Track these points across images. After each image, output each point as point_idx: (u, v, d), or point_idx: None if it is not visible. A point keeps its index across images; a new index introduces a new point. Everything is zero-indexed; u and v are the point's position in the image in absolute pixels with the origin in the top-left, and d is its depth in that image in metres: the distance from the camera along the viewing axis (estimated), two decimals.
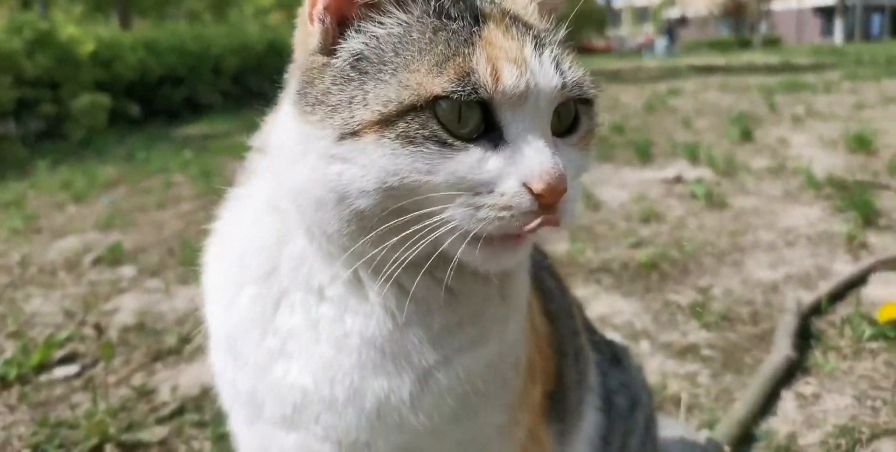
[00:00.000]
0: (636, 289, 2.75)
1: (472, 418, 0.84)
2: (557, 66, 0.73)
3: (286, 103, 0.78)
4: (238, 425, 0.91)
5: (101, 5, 20.82)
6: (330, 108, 0.70)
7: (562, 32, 0.82)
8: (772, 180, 4.38)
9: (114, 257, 3.70)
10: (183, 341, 2.54)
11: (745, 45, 31.16)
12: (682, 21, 44.18)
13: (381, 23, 0.74)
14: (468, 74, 0.68)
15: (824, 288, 2.57)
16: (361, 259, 0.73)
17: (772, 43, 32.97)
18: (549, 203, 0.68)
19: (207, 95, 12.10)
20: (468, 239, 0.69)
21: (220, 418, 1.95)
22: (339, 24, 0.75)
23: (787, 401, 1.90)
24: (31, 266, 3.76)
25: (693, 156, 5.02)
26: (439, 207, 0.68)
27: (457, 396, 0.81)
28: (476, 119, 0.70)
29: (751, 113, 7.05)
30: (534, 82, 0.70)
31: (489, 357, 0.83)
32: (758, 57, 16.17)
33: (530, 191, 0.67)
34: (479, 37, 0.72)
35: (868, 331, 2.22)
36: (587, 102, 0.78)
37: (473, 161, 0.69)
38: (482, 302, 0.83)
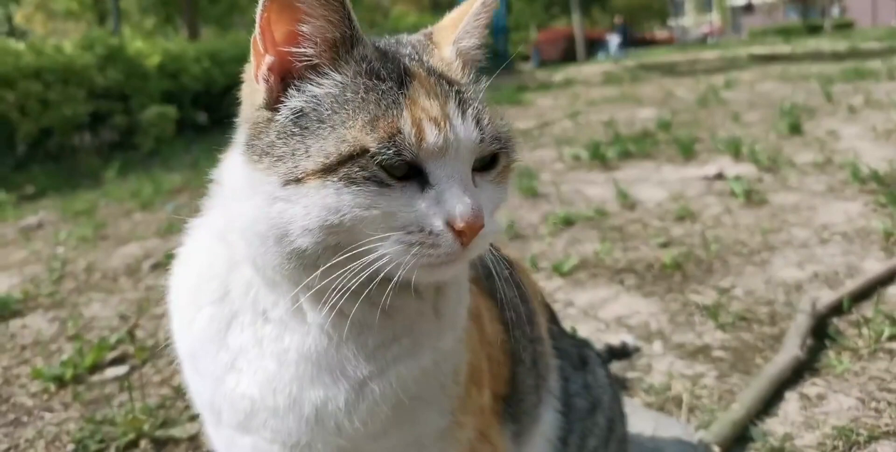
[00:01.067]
0: (658, 290, 2.78)
1: (409, 422, 0.94)
2: (478, 122, 0.83)
3: (236, 150, 0.89)
4: (208, 427, 1.03)
5: (171, 17, 21.69)
6: (275, 159, 0.81)
7: (483, 85, 0.91)
8: (816, 175, 4.29)
9: (170, 262, 3.92)
10: None
11: (814, 30, 29.95)
12: (748, 8, 42.75)
13: (320, 83, 0.84)
14: (395, 134, 0.78)
15: (849, 286, 2.54)
16: (298, 287, 0.83)
17: (844, 27, 31.58)
18: (468, 238, 0.79)
19: None
20: (403, 270, 0.80)
21: None
22: (282, 82, 0.85)
23: (791, 402, 1.91)
24: (96, 272, 4.03)
25: (736, 151, 4.95)
26: (377, 244, 0.79)
27: (391, 403, 0.90)
28: (405, 167, 0.80)
29: (805, 104, 6.85)
30: (454, 137, 0.81)
31: (423, 366, 0.92)
32: (825, 43, 15.55)
33: (453, 229, 0.78)
34: (406, 97, 0.81)
35: (888, 331, 2.20)
36: (506, 149, 0.89)
37: (406, 199, 0.80)
38: (416, 317, 0.92)
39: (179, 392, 2.33)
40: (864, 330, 2.24)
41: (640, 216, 3.87)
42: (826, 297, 2.48)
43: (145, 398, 2.26)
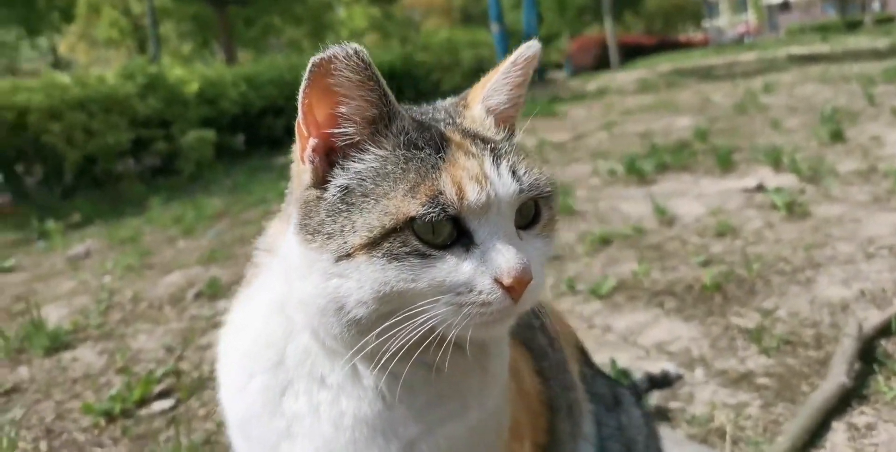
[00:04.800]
0: (698, 313, 2.74)
1: None
2: (514, 174, 0.86)
3: (290, 228, 0.92)
4: None
5: (208, 42, 22.25)
6: (326, 236, 0.84)
7: (516, 139, 0.95)
8: (860, 185, 4.18)
9: (212, 292, 4.01)
10: None
11: (854, 26, 29.24)
12: (785, 6, 41.98)
13: (362, 159, 0.87)
14: (437, 195, 0.81)
15: None
16: (360, 354, 0.86)
17: (885, 22, 30.77)
18: (518, 292, 0.81)
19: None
20: (457, 329, 0.82)
21: None
22: (328, 161, 0.89)
23: (838, 433, 1.86)
24: (142, 301, 4.13)
25: (776, 161, 4.86)
26: (428, 307, 0.81)
27: None
28: (448, 229, 0.83)
29: (846, 108, 6.70)
30: (494, 193, 0.83)
31: (470, 425, 0.93)
32: (864, 40, 15.18)
33: (502, 285, 0.81)
34: (444, 160, 0.85)
35: None
36: (546, 196, 0.90)
37: (450, 266, 0.82)
38: (462, 376, 0.93)
39: (222, 427, 2.37)
40: None
41: (679, 232, 3.82)
42: (873, 318, 2.42)
43: (191, 433, 2.30)
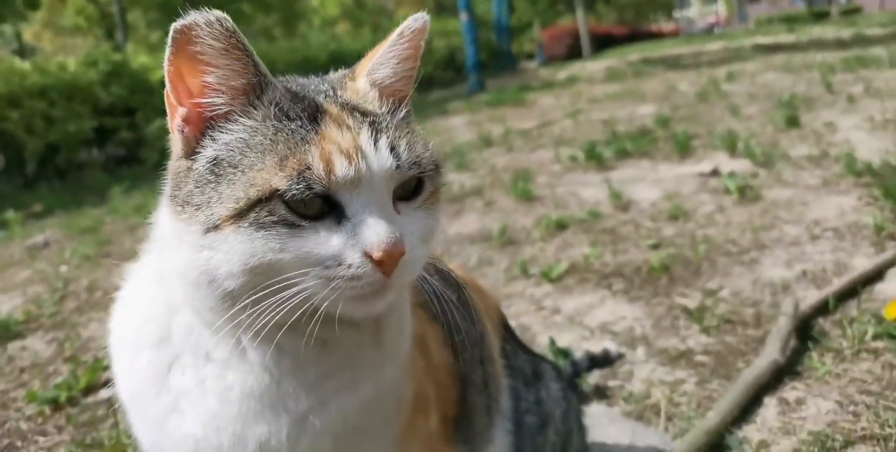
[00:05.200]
0: (644, 294, 2.77)
1: None
2: (393, 149, 0.84)
3: (163, 200, 0.91)
4: None
5: None
6: (195, 207, 0.83)
7: (402, 113, 0.92)
8: (811, 169, 4.25)
9: None
10: None
11: (821, 17, 29.61)
12: None
13: (230, 130, 0.85)
14: (304, 170, 0.80)
15: (835, 285, 2.52)
16: (239, 327, 0.84)
17: (852, 12, 31.21)
18: (389, 266, 0.80)
19: None
20: (326, 303, 0.81)
21: None
22: (200, 132, 0.87)
23: (769, 408, 1.90)
24: (97, 291, 4.08)
25: (732, 147, 4.92)
26: (298, 279, 0.80)
27: (332, 436, 0.91)
28: (318, 203, 0.81)
29: (804, 95, 6.80)
30: (365, 167, 0.82)
31: (364, 399, 0.92)
32: (830, 31, 15.39)
33: (371, 259, 0.79)
34: (316, 133, 0.83)
35: (872, 330, 2.18)
36: (429, 173, 0.89)
37: (320, 239, 0.81)
38: (355, 350, 0.92)
39: None
40: (849, 331, 2.22)
41: (633, 217, 3.86)
42: (812, 297, 2.47)
43: None
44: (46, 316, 3.69)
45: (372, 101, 0.92)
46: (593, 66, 16.51)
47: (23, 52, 24.31)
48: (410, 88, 0.96)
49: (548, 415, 1.29)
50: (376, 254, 0.79)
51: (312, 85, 0.93)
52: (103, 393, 2.62)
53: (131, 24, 23.17)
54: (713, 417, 1.80)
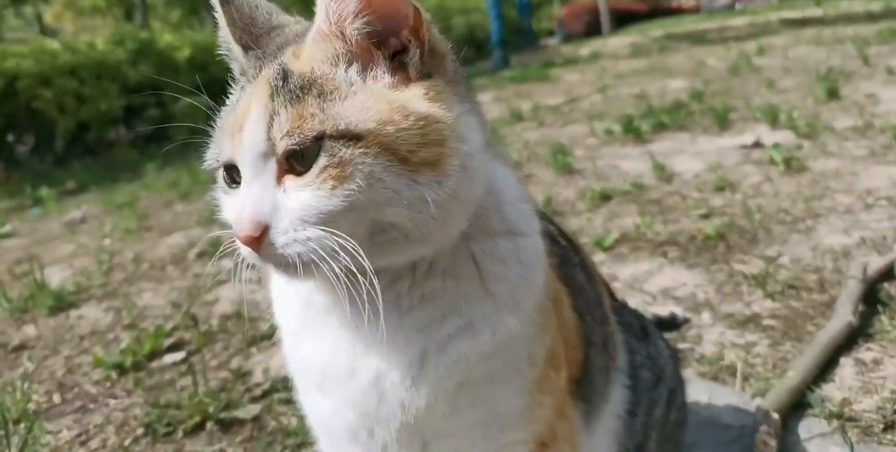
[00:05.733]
0: (702, 261, 2.77)
1: (483, 403, 0.96)
2: (271, 120, 0.82)
3: None
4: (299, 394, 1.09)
5: (196, 9, 21.86)
6: None
7: (293, 83, 0.85)
8: (857, 140, 4.21)
9: (214, 250, 4.01)
10: (274, 327, 2.78)
11: None
12: None
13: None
14: (217, 141, 0.90)
15: None
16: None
17: None
18: (247, 242, 0.81)
19: None
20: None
21: None
22: None
23: (846, 368, 1.91)
24: (144, 262, 4.13)
25: (773, 119, 4.87)
26: None
27: (457, 382, 0.92)
28: (234, 171, 0.88)
29: (841, 68, 6.69)
30: (239, 141, 0.84)
31: (483, 347, 0.92)
32: (858, 4, 15.09)
33: None
34: (238, 100, 0.90)
35: None
36: (335, 138, 0.81)
37: (227, 204, 0.91)
38: (457, 299, 0.93)
39: (239, 374, 2.41)
40: None
41: (678, 188, 3.84)
42: (875, 263, 2.46)
43: (207, 382, 2.33)
44: (97, 286, 3.75)
45: (298, 62, 0.87)
46: (615, 43, 16.33)
47: (44, 32, 24.39)
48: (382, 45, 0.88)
49: (661, 371, 1.30)
50: (234, 230, 0.82)
51: (291, 34, 0.94)
52: (168, 358, 2.68)
53: (150, 4, 23.14)
54: (794, 376, 1.81)
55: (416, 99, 0.83)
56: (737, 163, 4.14)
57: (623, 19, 26.46)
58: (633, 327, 1.34)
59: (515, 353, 0.96)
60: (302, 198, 0.80)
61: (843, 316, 2.05)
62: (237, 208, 0.82)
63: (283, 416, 2.08)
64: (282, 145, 0.80)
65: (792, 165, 3.85)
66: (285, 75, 0.84)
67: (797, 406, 1.76)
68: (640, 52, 12.51)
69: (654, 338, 1.38)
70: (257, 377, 2.37)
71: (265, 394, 2.22)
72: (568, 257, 0.95)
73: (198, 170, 6.84)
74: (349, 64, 0.85)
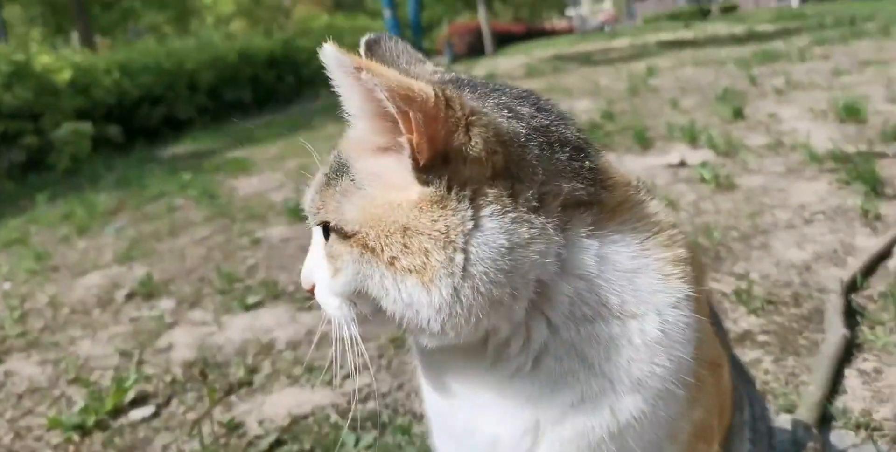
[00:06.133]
0: None
1: None
2: (313, 200, 0.91)
3: None
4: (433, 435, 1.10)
5: (61, 27, 20.52)
6: None
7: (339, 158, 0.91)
8: (773, 157, 4.51)
9: (147, 291, 3.73)
10: (251, 371, 2.61)
11: (704, 14, 31.44)
12: None
13: None
14: None
15: (855, 264, 2.69)
16: None
17: (729, 10, 33.30)
18: (309, 294, 0.95)
19: (185, 112, 12.04)
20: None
21: (326, 446, 2.03)
22: None
23: (851, 379, 2.02)
24: (63, 307, 3.78)
25: (692, 138, 5.14)
26: None
27: None
28: None
29: (733, 88, 7.19)
30: (302, 202, 0.94)
31: (606, 426, 0.87)
32: (721, 27, 16.37)
33: None
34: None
35: None
36: (333, 230, 0.88)
37: None
38: (563, 375, 0.88)
39: (230, 427, 2.23)
40: (887, 305, 2.38)
41: None
42: (835, 275, 2.63)
43: (199, 437, 2.14)
44: (14, 336, 3.40)
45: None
46: (506, 63, 16.80)
47: None
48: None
49: (767, 419, 1.30)
50: None
51: None
52: (135, 414, 2.45)
53: (6, 21, 21.53)
54: (815, 391, 1.89)
55: (405, 205, 0.80)
56: (668, 182, 4.33)
57: (502, 40, 27.35)
58: (745, 372, 1.33)
59: (651, 433, 0.89)
60: (324, 271, 0.90)
61: (837, 329, 2.16)
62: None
63: None
64: (310, 219, 0.91)
65: (721, 183, 4.07)
66: (337, 153, 0.90)
67: (824, 419, 1.83)
68: (535, 73, 12.94)
69: (751, 378, 1.38)
70: (254, 429, 2.21)
71: (272, 448, 2.07)
72: (715, 316, 0.91)
73: (93, 200, 6.34)
74: (373, 153, 0.84)
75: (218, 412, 2.38)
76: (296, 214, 4.77)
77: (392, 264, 0.80)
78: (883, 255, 2.76)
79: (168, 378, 2.67)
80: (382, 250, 0.81)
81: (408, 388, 2.33)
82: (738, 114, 5.75)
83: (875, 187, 3.51)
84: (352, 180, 0.85)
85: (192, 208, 5.76)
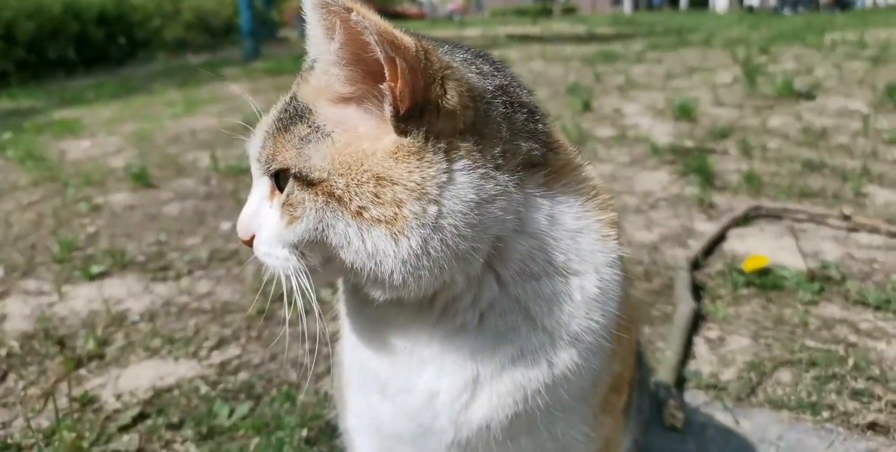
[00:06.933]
0: None
1: (543, 430, 0.95)
2: (262, 147, 0.87)
3: None
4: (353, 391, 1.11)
5: None
6: None
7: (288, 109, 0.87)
8: (619, 148, 4.84)
9: None
10: (102, 344, 2.41)
11: (547, 13, 32.90)
12: None
13: None
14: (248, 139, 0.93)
15: (696, 245, 2.97)
16: None
17: (569, 11, 35.09)
18: (244, 243, 0.91)
19: (1, 65, 10.77)
20: None
21: (197, 417, 1.92)
22: None
23: (699, 346, 2.23)
24: None
25: None
26: None
27: (514, 411, 0.91)
28: None
29: (581, 83, 7.60)
30: (246, 149, 0.91)
31: (542, 379, 0.90)
32: (565, 26, 17.23)
33: None
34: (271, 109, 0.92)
35: (740, 281, 2.63)
36: (295, 178, 0.83)
37: None
38: (507, 330, 0.90)
39: (84, 402, 2.05)
40: (723, 281, 2.65)
41: None
42: (679, 255, 2.89)
43: (38, 414, 1.95)
44: None
45: (304, 87, 0.87)
46: None
47: None
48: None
49: (647, 369, 1.41)
50: None
51: None
52: None
53: None
54: (671, 356, 2.07)
55: (379, 155, 0.78)
56: None
57: None
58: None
59: (579, 384, 0.94)
60: (273, 220, 0.86)
61: (687, 302, 2.38)
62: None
63: (174, 443, 1.83)
64: (263, 167, 0.86)
65: None
66: (291, 99, 0.86)
67: (679, 381, 2.01)
68: None
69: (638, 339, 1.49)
70: (111, 403, 2.04)
71: (136, 421, 1.93)
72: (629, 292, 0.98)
73: None
74: (340, 102, 0.82)
75: (67, 387, 2.18)
76: (141, 180, 4.45)
77: (359, 214, 0.78)
78: (718, 239, 3.07)
79: (3, 352, 2.40)
80: (351, 199, 0.78)
81: (281, 359, 2.27)
82: (587, 106, 6.10)
83: (708, 179, 3.88)
84: (315, 127, 0.82)
85: (15, 171, 5.19)
